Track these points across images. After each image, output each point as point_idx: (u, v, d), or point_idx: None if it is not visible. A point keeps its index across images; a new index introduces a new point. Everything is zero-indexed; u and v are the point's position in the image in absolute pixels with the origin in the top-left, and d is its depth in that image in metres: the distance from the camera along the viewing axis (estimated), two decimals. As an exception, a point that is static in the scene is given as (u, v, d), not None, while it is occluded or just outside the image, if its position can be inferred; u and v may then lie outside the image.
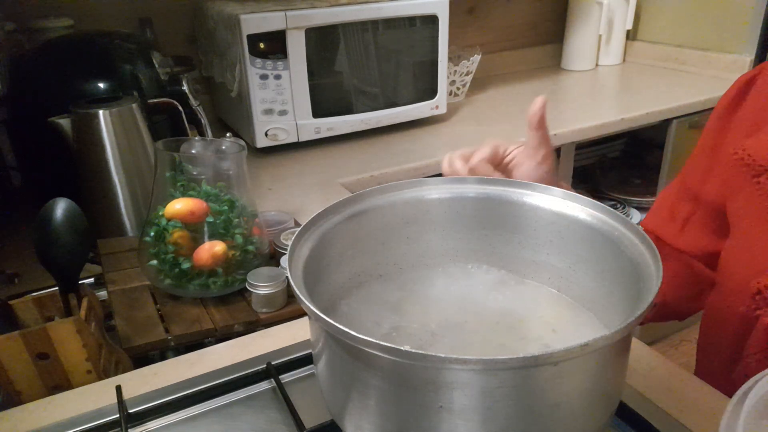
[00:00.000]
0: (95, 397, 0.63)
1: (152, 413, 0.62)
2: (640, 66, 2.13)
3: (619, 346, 0.45)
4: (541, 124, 0.65)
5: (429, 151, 1.38)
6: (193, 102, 1.13)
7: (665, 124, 1.69)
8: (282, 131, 1.37)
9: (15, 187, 1.29)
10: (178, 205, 0.77)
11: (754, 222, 0.65)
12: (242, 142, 0.88)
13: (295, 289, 0.45)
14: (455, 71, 1.74)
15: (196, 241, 0.78)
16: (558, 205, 0.59)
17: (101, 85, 1.05)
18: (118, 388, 0.62)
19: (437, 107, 1.54)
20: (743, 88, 0.71)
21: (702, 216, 0.76)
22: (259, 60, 1.29)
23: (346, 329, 0.40)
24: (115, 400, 0.61)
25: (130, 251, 0.90)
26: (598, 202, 0.56)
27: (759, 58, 1.85)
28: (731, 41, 1.91)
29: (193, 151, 0.85)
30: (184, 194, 0.79)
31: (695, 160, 0.78)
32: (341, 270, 0.60)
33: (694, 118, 1.71)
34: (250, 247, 0.81)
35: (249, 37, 1.26)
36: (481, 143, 0.67)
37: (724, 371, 0.69)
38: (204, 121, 1.14)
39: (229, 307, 0.79)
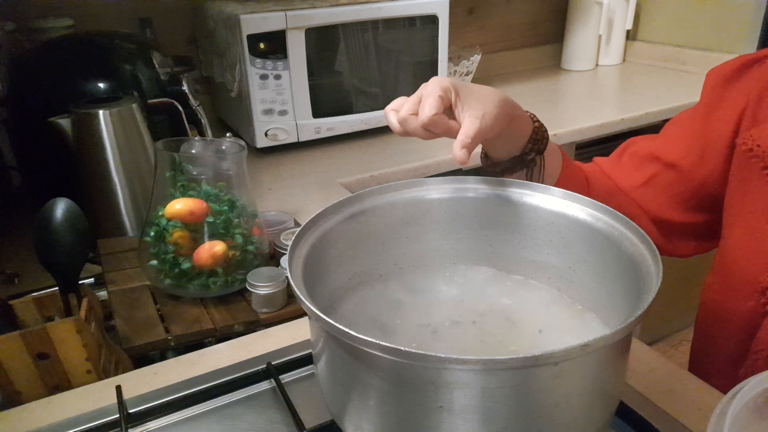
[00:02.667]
0: (95, 397, 0.63)
1: (152, 413, 0.62)
2: (640, 66, 2.13)
3: (619, 346, 0.45)
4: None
5: (429, 151, 1.38)
6: (193, 102, 1.13)
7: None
8: (282, 131, 1.37)
9: (15, 187, 1.29)
10: (178, 205, 0.77)
11: (763, 216, 0.63)
12: (242, 142, 0.88)
13: (295, 289, 0.45)
14: (455, 71, 1.74)
15: (196, 241, 0.78)
16: (558, 205, 0.59)
17: (101, 85, 1.05)
18: (118, 388, 0.62)
19: (437, 107, 1.53)
20: (744, 67, 0.70)
21: (672, 183, 0.75)
22: (259, 60, 1.29)
23: (346, 329, 0.40)
24: (115, 400, 0.61)
25: (130, 251, 0.90)
26: (598, 202, 0.56)
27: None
28: (731, 41, 1.91)
29: (193, 151, 0.85)
30: (184, 194, 0.79)
31: (679, 129, 0.77)
32: (341, 270, 0.60)
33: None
34: (250, 247, 0.81)
35: (249, 37, 1.26)
36: (425, 88, 0.60)
37: (725, 370, 0.69)
38: (204, 121, 1.14)
39: (229, 307, 0.78)
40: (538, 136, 0.69)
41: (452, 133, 0.59)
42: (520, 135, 0.68)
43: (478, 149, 0.67)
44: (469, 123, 0.58)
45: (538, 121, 0.70)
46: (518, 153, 0.69)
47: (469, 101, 0.59)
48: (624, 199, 0.77)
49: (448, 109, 0.60)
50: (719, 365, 0.69)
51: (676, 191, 0.75)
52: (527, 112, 0.69)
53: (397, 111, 0.60)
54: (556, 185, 0.73)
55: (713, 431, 0.39)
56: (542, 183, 0.71)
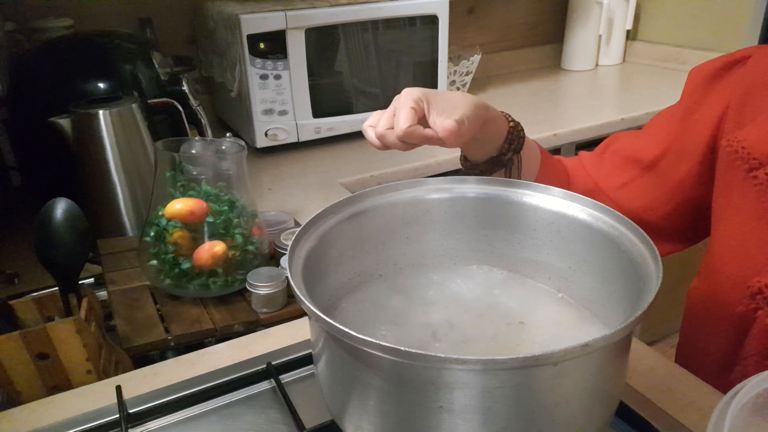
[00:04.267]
0: (95, 397, 0.63)
1: (152, 413, 0.62)
2: (640, 66, 2.13)
3: (619, 346, 0.45)
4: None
5: (429, 151, 1.38)
6: (193, 102, 1.13)
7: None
8: (282, 131, 1.37)
9: (15, 187, 1.29)
10: (178, 205, 0.77)
11: (749, 218, 0.63)
12: (242, 142, 0.88)
13: (295, 289, 0.45)
14: (455, 71, 1.74)
15: (196, 241, 0.78)
16: (558, 205, 0.59)
17: (101, 85, 1.05)
18: (118, 388, 0.62)
19: (437, 107, 1.54)
20: (726, 67, 0.70)
21: (651, 186, 0.76)
22: (259, 60, 1.29)
23: (346, 329, 0.40)
24: (115, 400, 0.61)
25: (130, 251, 0.90)
26: (598, 202, 0.56)
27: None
28: (731, 41, 1.91)
29: (193, 151, 0.85)
30: (184, 194, 0.79)
31: (660, 128, 0.77)
32: (341, 270, 0.60)
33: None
34: (250, 247, 0.81)
35: (249, 37, 1.26)
36: (398, 101, 0.61)
37: (713, 375, 0.68)
38: (204, 121, 1.14)
39: (229, 307, 0.78)
40: (514, 136, 0.69)
41: (430, 141, 0.60)
42: (495, 136, 0.68)
43: (457, 153, 0.67)
44: (443, 120, 0.59)
45: (513, 120, 0.70)
46: (495, 154, 0.69)
47: (441, 107, 0.60)
48: (602, 198, 0.78)
49: (423, 119, 0.60)
50: (707, 371, 0.69)
51: (655, 194, 0.76)
52: (502, 112, 0.70)
53: (374, 127, 0.61)
54: (535, 182, 0.74)
55: (713, 431, 0.39)
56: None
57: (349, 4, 1.34)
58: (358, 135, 1.47)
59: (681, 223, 0.77)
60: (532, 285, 0.63)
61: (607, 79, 2.04)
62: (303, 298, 0.44)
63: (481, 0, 1.98)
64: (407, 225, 0.63)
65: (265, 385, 0.66)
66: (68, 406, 0.62)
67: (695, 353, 0.73)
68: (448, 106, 0.60)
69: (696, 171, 0.72)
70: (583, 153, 0.84)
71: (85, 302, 0.69)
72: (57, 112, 0.97)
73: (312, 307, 0.43)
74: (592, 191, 0.79)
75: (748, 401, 0.40)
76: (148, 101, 1.06)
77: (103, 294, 0.82)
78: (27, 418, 0.61)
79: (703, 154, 0.71)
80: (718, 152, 0.69)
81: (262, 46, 1.28)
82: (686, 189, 0.74)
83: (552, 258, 0.61)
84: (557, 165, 0.79)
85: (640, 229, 0.51)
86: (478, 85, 1.90)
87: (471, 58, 1.74)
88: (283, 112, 1.35)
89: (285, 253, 0.80)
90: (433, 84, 1.51)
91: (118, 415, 0.61)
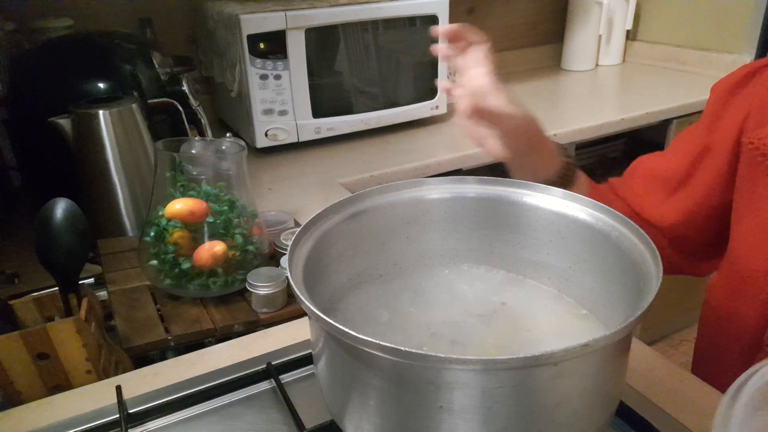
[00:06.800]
0: (95, 397, 0.63)
1: (152, 413, 0.62)
2: (640, 66, 2.13)
3: (619, 346, 0.45)
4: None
5: (429, 151, 1.38)
6: (193, 102, 1.13)
7: (665, 124, 1.69)
8: (282, 131, 1.37)
9: (15, 187, 1.29)
10: (178, 205, 0.77)
11: None
12: (242, 142, 0.88)
13: (295, 289, 0.45)
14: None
15: (196, 241, 0.78)
16: (558, 205, 0.59)
17: (101, 85, 1.05)
18: (118, 388, 0.63)
19: (437, 107, 1.54)
20: (747, 76, 0.71)
21: (684, 201, 0.76)
22: (259, 60, 1.29)
23: (346, 329, 0.40)
24: (115, 400, 0.61)
25: (130, 251, 0.90)
26: (598, 202, 0.56)
27: (759, 58, 1.85)
28: (731, 41, 1.91)
29: (193, 151, 0.85)
30: (184, 194, 0.79)
31: (685, 142, 0.77)
32: (341, 270, 0.60)
33: (694, 119, 1.71)
34: (250, 247, 0.81)
35: (249, 37, 1.26)
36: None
37: (733, 369, 0.68)
38: (204, 121, 1.14)
39: (229, 307, 0.78)
40: (568, 171, 0.73)
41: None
42: (543, 167, 0.72)
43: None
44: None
45: (570, 156, 0.73)
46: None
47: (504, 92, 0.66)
48: (636, 220, 0.77)
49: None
50: (727, 365, 0.69)
51: (687, 207, 0.76)
52: (559, 147, 0.73)
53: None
54: None
55: (721, 422, 0.39)
56: None
57: (349, 4, 1.34)
58: (358, 135, 1.47)
59: (713, 234, 0.76)
60: (532, 285, 0.63)
61: (607, 79, 2.04)
62: (303, 298, 0.44)
63: (481, 0, 1.98)
64: (407, 225, 0.63)
65: (265, 385, 0.66)
66: (68, 406, 0.62)
67: (715, 348, 0.74)
68: (510, 93, 0.66)
69: (723, 173, 0.72)
70: (612, 179, 0.85)
71: (85, 302, 0.69)
72: (57, 112, 0.97)
73: (312, 307, 0.43)
74: (628, 216, 0.79)
75: (754, 394, 0.40)
76: (148, 101, 1.06)
77: (103, 294, 0.82)
78: (27, 418, 0.61)
79: (730, 156, 0.71)
80: (741, 151, 0.69)
81: (262, 46, 1.28)
82: (714, 194, 0.73)
83: (552, 258, 0.61)
84: (606, 193, 0.82)
85: (641, 230, 0.51)
86: (478, 85, 1.90)
87: (471, 58, 1.74)
88: (283, 112, 1.35)
89: (285, 253, 0.80)
90: (433, 84, 1.51)
91: (118, 415, 0.61)
